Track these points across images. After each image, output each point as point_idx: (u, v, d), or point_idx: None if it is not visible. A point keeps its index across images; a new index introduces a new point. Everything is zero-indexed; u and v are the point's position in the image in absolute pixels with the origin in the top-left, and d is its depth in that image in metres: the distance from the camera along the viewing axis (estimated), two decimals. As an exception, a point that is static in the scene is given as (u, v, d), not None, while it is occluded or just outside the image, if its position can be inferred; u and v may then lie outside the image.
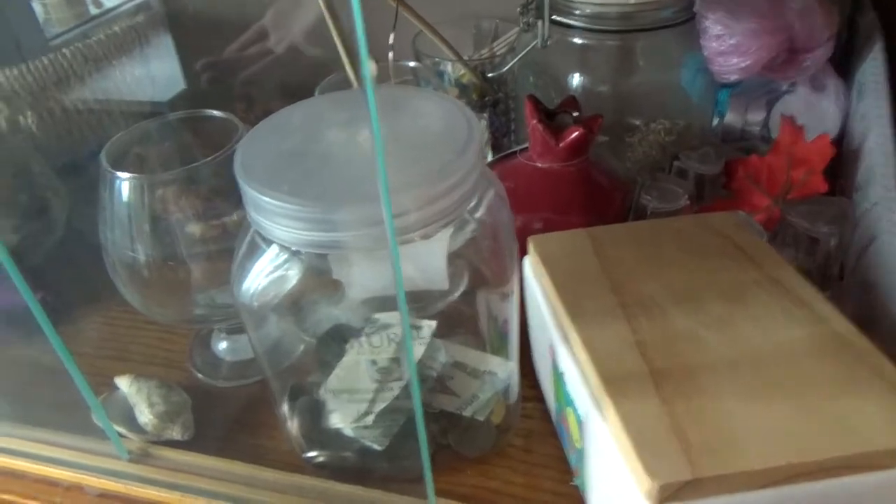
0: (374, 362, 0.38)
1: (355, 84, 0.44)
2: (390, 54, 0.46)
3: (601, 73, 0.52)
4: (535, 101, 0.46)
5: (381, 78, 0.48)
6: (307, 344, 0.42)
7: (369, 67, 0.46)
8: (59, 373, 0.47)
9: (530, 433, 0.39)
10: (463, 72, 0.61)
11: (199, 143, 0.41)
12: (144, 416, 0.39)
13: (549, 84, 0.54)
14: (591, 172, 0.47)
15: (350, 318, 0.40)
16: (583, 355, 0.30)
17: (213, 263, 0.42)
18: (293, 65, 0.71)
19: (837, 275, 0.45)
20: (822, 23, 0.47)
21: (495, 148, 0.62)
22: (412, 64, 0.48)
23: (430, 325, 0.40)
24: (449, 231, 0.32)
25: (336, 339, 0.41)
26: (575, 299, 0.33)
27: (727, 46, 0.47)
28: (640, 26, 0.49)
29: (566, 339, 0.32)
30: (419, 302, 0.38)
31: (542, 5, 0.49)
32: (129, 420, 0.39)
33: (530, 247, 0.38)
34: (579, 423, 0.31)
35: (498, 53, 0.65)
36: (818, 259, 0.45)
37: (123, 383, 0.41)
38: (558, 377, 0.33)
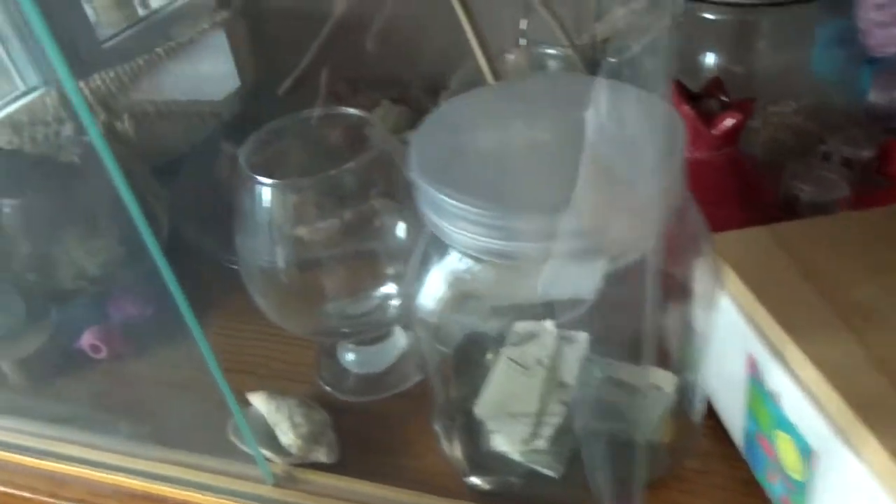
0: (527, 377, 0.36)
1: (489, 78, 0.41)
2: (522, 41, 0.43)
3: (734, 52, 0.48)
4: (682, 86, 0.42)
5: (517, 68, 0.44)
6: (445, 354, 0.39)
7: (510, 59, 0.42)
8: (182, 388, 0.45)
9: (707, 454, 0.35)
10: (574, 56, 0.57)
11: (331, 142, 0.39)
12: (287, 437, 0.36)
13: (677, 66, 0.50)
14: (741, 161, 0.43)
15: (485, 325, 0.38)
16: (811, 374, 0.26)
17: (347, 269, 0.39)
18: (389, 54, 0.67)
19: None
20: None
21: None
22: (550, 50, 0.44)
23: (583, 338, 0.37)
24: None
25: (474, 349, 0.39)
26: (780, 307, 0.29)
27: (890, 16, 0.43)
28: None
29: (779, 353, 0.29)
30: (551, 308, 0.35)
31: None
32: (268, 441, 0.37)
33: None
34: (804, 451, 0.27)
35: (600, 38, 0.61)
36: None
37: (258, 400, 0.39)
38: (762, 396, 0.30)
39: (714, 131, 0.41)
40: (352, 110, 0.39)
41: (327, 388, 0.43)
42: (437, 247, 0.28)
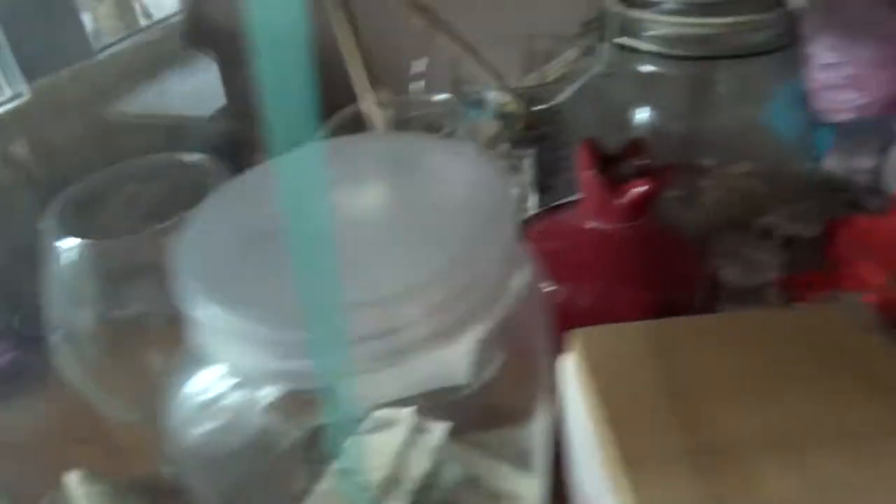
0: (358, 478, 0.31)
1: (376, 119, 0.36)
2: (417, 84, 0.38)
3: (673, 108, 0.43)
4: (593, 146, 0.37)
5: (400, 114, 0.40)
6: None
7: (377, 110, 0.38)
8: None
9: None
10: (507, 100, 0.53)
11: (175, 190, 0.34)
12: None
13: (609, 118, 0.45)
14: (658, 235, 0.38)
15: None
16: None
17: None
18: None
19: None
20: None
21: (543, 190, 0.53)
22: (440, 97, 0.40)
23: (441, 429, 0.32)
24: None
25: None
26: (630, 435, 0.24)
27: (840, 79, 0.37)
28: (725, 52, 0.40)
29: (616, 490, 0.23)
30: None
31: (606, 24, 0.40)
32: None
33: (574, 343, 0.29)
34: None
35: (549, 80, 0.56)
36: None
37: (72, 482, 0.34)
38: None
39: (620, 201, 0.36)
40: (193, 157, 0.34)
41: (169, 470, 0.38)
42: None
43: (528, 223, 0.47)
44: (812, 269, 0.42)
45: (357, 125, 0.36)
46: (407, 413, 0.32)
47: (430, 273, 0.21)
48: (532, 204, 0.51)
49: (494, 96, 0.52)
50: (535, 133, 0.53)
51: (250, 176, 0.25)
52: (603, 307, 0.37)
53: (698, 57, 0.39)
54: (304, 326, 0.20)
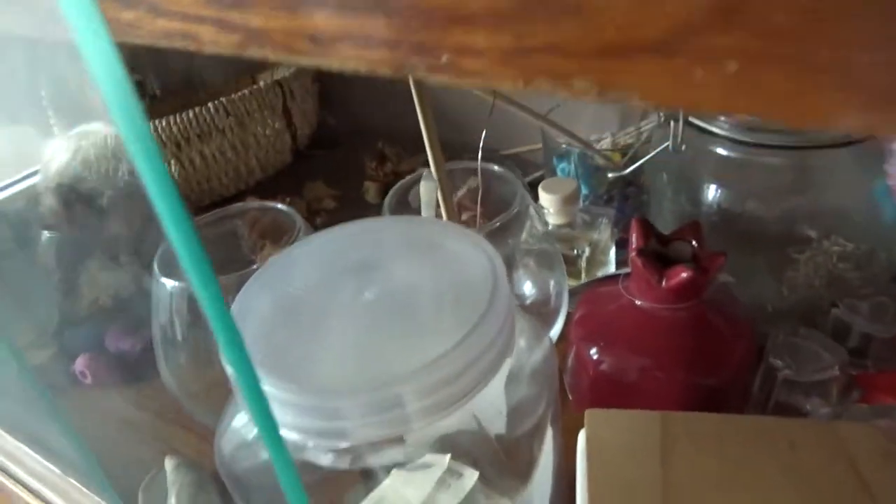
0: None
1: (424, 195, 0.39)
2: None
3: (750, 190, 0.43)
4: (644, 225, 0.38)
5: (458, 183, 0.43)
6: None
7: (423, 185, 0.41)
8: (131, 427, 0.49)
9: None
10: (596, 156, 0.54)
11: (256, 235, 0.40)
12: (172, 513, 0.38)
13: (684, 189, 0.46)
14: (705, 319, 0.38)
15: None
16: None
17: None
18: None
19: None
20: None
21: (621, 245, 0.54)
22: (496, 168, 0.42)
23: (471, 476, 0.35)
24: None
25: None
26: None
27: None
28: (801, 143, 0.39)
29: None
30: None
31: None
32: (164, 507, 0.39)
33: (586, 421, 0.31)
34: None
35: (628, 143, 0.56)
36: None
37: (169, 466, 0.41)
38: None
39: (665, 284, 0.37)
40: (280, 205, 0.40)
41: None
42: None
43: (585, 287, 0.48)
44: (887, 369, 0.40)
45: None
46: (443, 458, 0.36)
47: (433, 355, 0.24)
48: (610, 259, 0.53)
49: (581, 153, 0.54)
50: (615, 192, 0.55)
51: (293, 250, 0.30)
52: (641, 382, 0.38)
53: (774, 146, 0.39)
54: (323, 393, 0.24)
